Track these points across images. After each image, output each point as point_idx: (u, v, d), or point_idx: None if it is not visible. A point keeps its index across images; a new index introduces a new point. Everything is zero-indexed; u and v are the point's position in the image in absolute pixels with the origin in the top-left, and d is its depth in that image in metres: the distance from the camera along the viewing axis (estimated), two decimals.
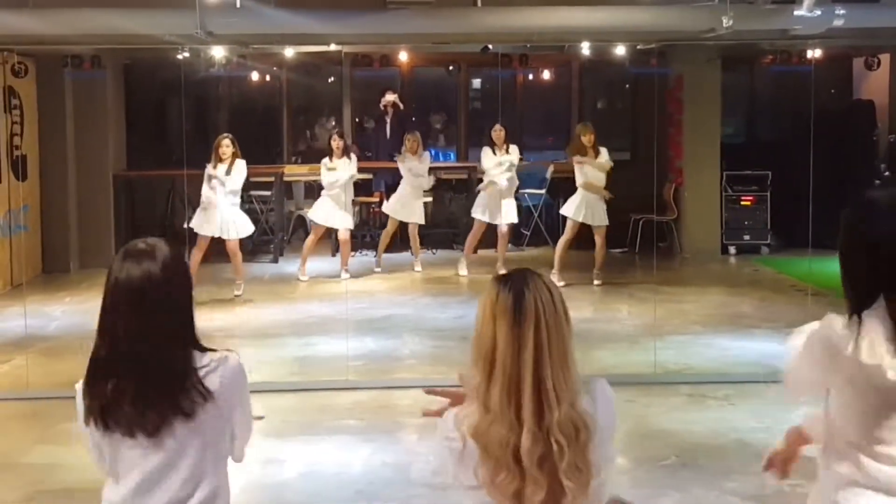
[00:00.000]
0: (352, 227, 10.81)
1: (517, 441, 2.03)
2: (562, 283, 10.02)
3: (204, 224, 9.61)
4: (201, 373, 2.41)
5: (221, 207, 9.57)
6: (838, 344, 2.39)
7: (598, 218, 10.17)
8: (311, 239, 10.69)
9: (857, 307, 2.40)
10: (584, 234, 10.30)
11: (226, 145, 9.62)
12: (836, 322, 2.44)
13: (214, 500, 2.45)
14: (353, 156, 10.58)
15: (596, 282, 10.30)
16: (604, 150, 10.30)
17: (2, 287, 10.21)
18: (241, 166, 9.60)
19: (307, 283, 10.63)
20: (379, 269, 11.05)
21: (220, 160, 9.58)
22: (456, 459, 2.11)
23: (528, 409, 2.04)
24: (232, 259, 9.85)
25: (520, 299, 2.09)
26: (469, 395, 2.17)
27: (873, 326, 2.35)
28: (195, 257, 9.52)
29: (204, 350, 2.47)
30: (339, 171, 10.40)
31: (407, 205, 10.96)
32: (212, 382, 2.41)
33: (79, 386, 2.45)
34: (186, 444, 2.39)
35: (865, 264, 2.40)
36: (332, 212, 10.44)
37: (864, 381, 2.36)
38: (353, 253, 11.10)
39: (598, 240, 10.26)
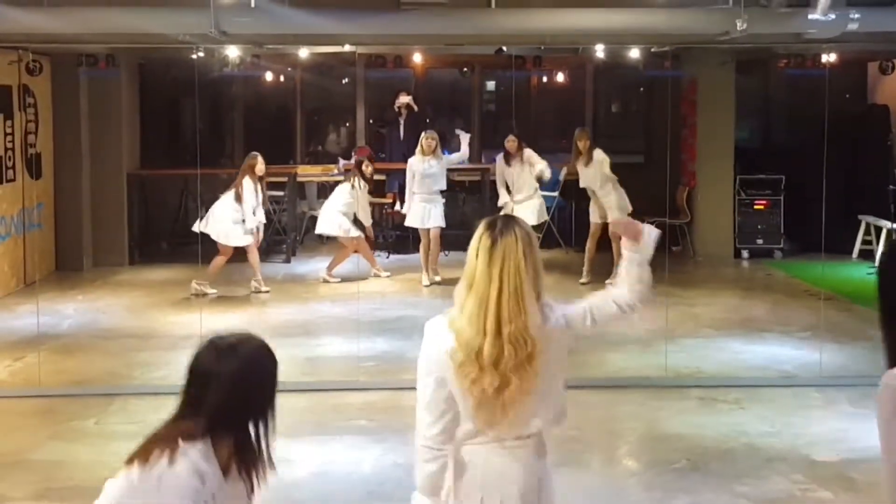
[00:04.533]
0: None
1: (481, 343, 2.74)
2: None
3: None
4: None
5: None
6: None
7: (612, 216, 10.22)
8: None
9: None
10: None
11: (261, 162, 9.96)
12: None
13: None
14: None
15: (607, 281, 10.30)
16: (597, 153, 10.42)
17: (15, 285, 10.26)
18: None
19: (320, 283, 10.63)
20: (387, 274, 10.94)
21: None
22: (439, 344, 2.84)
23: (491, 322, 2.74)
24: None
25: (494, 244, 2.78)
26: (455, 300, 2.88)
27: None
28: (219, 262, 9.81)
29: None
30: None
31: (424, 211, 10.58)
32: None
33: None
34: None
35: None
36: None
37: None
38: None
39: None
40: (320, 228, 10.83)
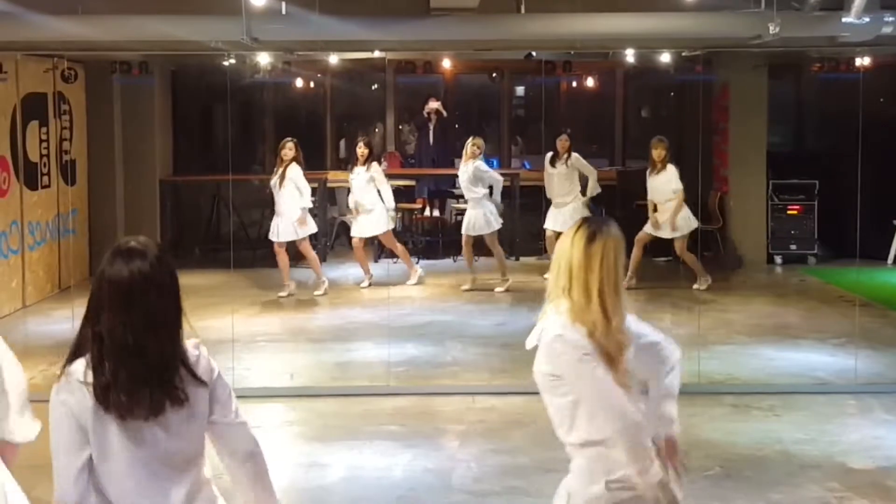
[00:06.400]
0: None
1: (599, 334, 2.82)
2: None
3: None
4: (191, 361, 2.56)
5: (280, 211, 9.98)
6: None
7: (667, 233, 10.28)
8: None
9: None
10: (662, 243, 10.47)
11: (289, 148, 9.96)
12: None
13: (203, 487, 2.60)
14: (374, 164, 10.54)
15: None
16: (670, 167, 10.23)
17: (50, 290, 10.38)
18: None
19: (351, 288, 10.67)
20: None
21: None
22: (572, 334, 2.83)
23: (598, 314, 2.82)
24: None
25: (593, 237, 2.88)
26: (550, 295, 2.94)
27: None
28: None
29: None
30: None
31: (470, 218, 10.40)
32: (202, 368, 2.58)
33: (74, 369, 2.54)
34: (180, 430, 2.52)
35: None
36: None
37: None
38: (395, 259, 11.10)
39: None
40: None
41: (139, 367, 2.48)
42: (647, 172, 10.37)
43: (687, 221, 10.19)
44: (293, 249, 10.22)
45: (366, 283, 10.58)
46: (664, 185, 10.16)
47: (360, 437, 6.15)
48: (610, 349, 2.82)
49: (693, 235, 10.52)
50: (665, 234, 10.21)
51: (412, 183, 12.36)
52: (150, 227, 11.73)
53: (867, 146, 8.34)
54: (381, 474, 5.55)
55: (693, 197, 10.57)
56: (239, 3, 7.49)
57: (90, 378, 2.49)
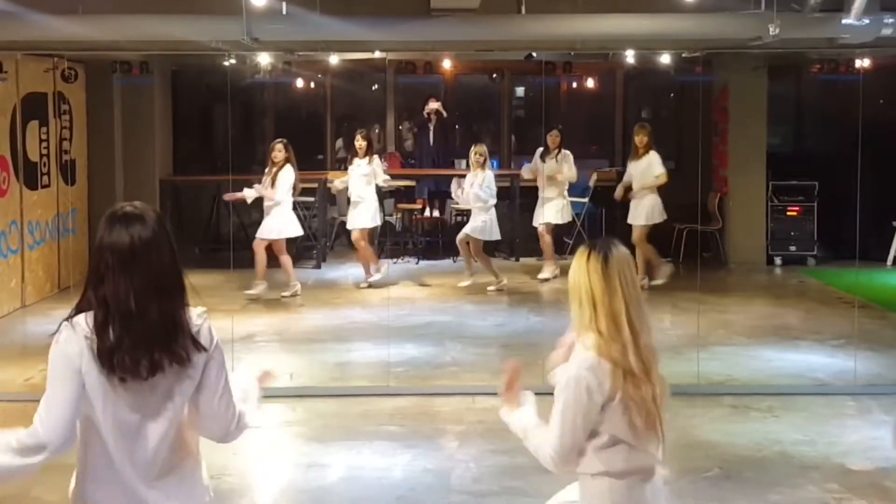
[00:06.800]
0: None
1: (628, 356, 2.81)
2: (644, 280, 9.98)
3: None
4: (193, 328, 2.60)
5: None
6: None
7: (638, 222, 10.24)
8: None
9: None
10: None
11: (278, 150, 9.86)
12: None
13: (188, 447, 2.65)
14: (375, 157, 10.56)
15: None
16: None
17: (50, 290, 10.37)
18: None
19: (350, 289, 10.67)
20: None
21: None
22: (593, 378, 2.80)
23: (627, 334, 2.82)
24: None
25: (607, 260, 2.87)
26: (577, 331, 2.92)
27: None
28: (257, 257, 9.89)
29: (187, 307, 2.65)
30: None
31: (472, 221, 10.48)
32: (203, 335, 2.61)
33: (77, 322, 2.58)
34: (173, 390, 2.57)
35: None
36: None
37: None
38: (395, 259, 11.11)
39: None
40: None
41: (143, 330, 2.52)
42: (629, 158, 10.48)
43: (660, 212, 10.27)
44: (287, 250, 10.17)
45: (365, 284, 10.54)
46: (645, 169, 10.23)
47: (360, 438, 6.15)
48: (637, 368, 2.82)
49: (693, 236, 10.52)
50: (638, 220, 10.21)
51: (412, 183, 12.36)
52: None
53: (867, 148, 8.35)
54: (380, 474, 5.55)
55: (693, 198, 10.57)
56: (239, 3, 7.49)
57: (94, 336, 2.53)
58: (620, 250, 2.91)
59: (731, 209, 12.12)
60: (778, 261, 12.04)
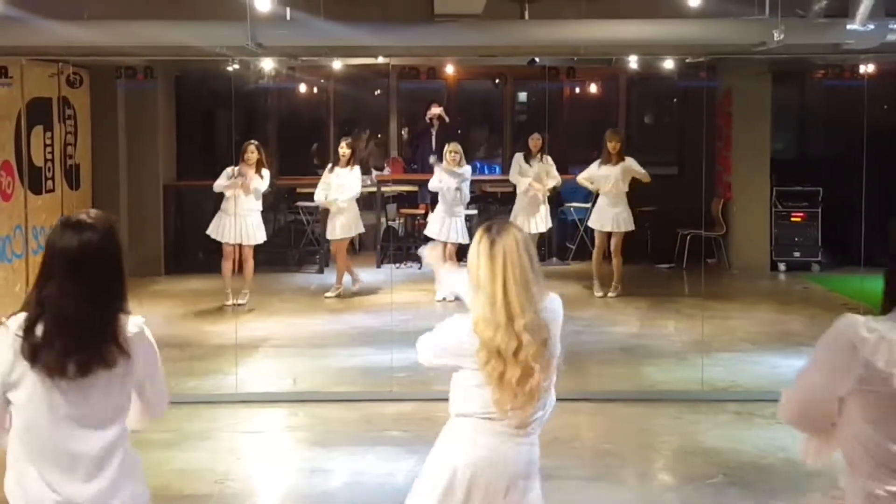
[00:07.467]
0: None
1: (497, 337, 2.97)
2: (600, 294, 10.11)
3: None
4: (125, 333, 2.70)
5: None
6: (858, 345, 2.55)
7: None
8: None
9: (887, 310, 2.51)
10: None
11: (251, 152, 9.84)
12: (859, 324, 2.58)
13: (120, 443, 2.71)
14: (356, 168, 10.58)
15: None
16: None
17: None
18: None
19: (352, 294, 10.66)
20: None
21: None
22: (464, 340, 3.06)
23: (502, 316, 2.97)
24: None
25: (493, 244, 3.02)
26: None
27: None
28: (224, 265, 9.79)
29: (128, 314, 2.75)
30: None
31: (445, 224, 10.55)
32: (135, 342, 2.71)
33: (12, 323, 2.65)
34: (103, 391, 2.65)
35: None
36: None
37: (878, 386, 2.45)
38: (397, 264, 11.10)
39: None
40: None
41: (75, 334, 2.60)
42: (598, 163, 10.43)
43: (630, 219, 10.31)
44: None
45: (332, 294, 10.46)
46: (620, 175, 10.25)
47: (363, 443, 6.14)
48: (507, 349, 2.96)
49: (696, 242, 10.50)
50: (619, 227, 10.25)
51: (415, 188, 12.35)
52: (154, 232, 11.74)
53: (871, 153, 8.34)
54: (383, 480, 5.54)
55: (696, 203, 10.56)
56: (244, 8, 7.50)
57: (21, 334, 2.61)
58: (512, 233, 3.03)
59: (735, 215, 12.10)
60: (782, 267, 12.02)
